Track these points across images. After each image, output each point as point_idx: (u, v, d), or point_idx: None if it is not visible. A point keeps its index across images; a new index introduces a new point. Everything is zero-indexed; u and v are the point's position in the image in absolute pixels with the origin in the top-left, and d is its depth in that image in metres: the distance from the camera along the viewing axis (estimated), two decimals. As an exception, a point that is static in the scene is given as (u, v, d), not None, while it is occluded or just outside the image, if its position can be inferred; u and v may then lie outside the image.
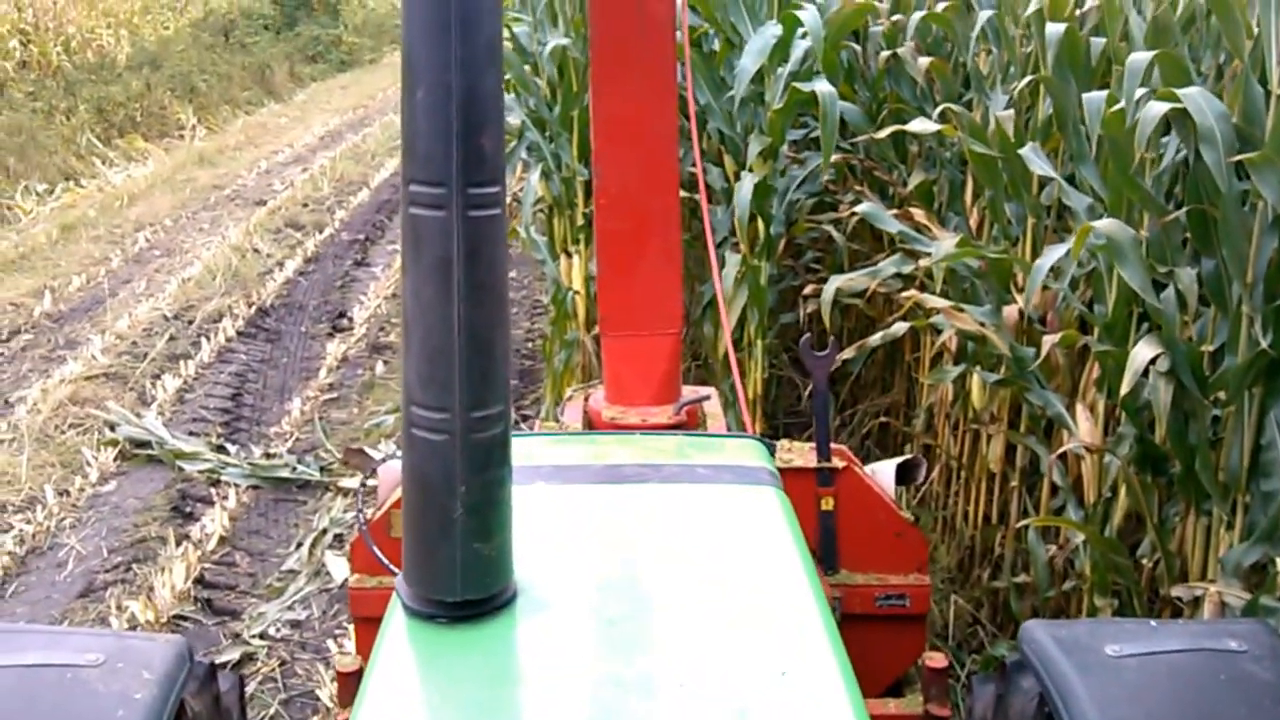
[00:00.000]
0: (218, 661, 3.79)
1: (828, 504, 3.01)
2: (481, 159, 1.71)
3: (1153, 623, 2.16)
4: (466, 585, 1.86)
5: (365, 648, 1.90)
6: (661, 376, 3.40)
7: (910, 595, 3.04)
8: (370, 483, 3.13)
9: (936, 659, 2.73)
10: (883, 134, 4.52)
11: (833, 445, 3.01)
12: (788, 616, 1.99)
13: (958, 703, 3.80)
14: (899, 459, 3.17)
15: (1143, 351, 3.11)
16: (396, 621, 1.91)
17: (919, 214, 4.41)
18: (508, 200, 1.82)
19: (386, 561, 2.06)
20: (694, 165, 3.96)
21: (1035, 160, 3.72)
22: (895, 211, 4.52)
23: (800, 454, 3.02)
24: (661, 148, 3.38)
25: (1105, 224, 3.20)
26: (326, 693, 4.00)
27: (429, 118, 1.69)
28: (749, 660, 1.85)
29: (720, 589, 2.06)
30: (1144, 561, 3.51)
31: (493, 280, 1.76)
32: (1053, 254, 3.42)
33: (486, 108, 1.71)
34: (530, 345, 7.20)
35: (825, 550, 3.01)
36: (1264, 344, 2.91)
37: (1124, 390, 3.16)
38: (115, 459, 5.80)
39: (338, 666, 2.63)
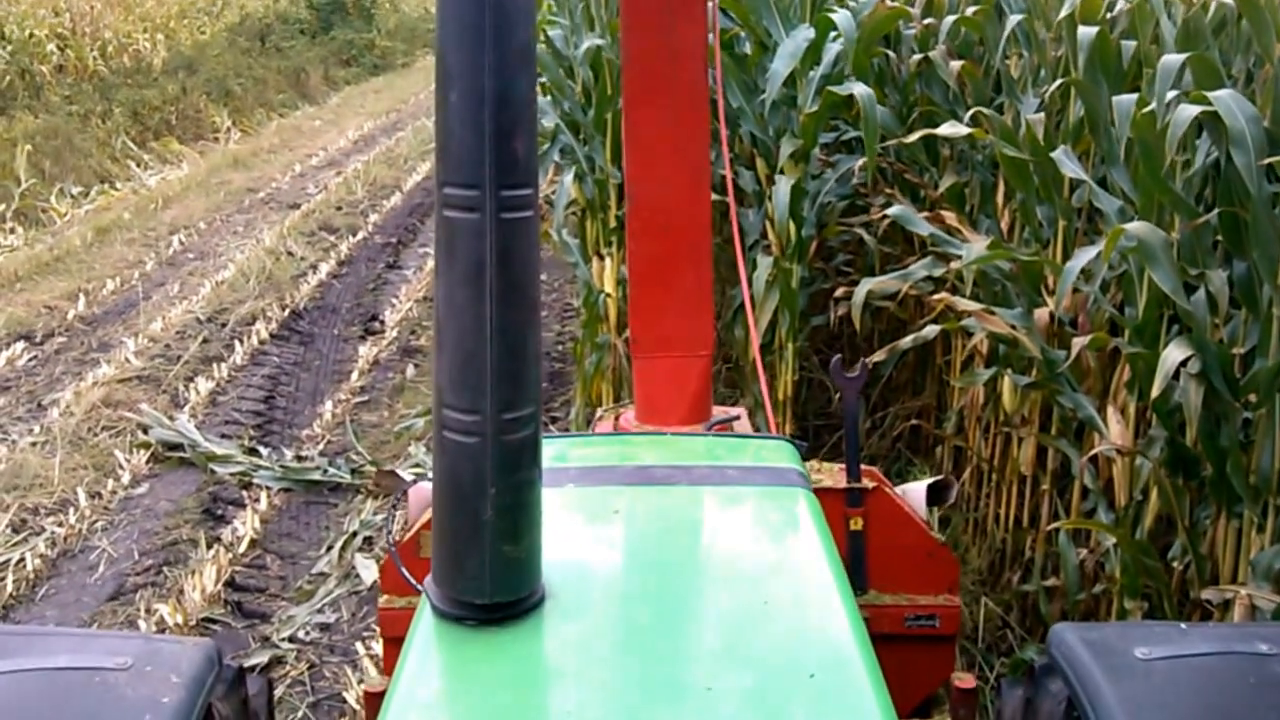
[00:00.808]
0: (247, 665, 3.80)
1: (857, 524, 3.00)
2: (514, 162, 1.71)
3: (1182, 625, 2.14)
4: (496, 587, 1.86)
5: (393, 668, 1.90)
6: (692, 397, 3.41)
7: (940, 616, 3.02)
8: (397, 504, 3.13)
9: (965, 680, 2.72)
10: (914, 137, 4.50)
11: (863, 467, 3.00)
12: (817, 619, 1.98)
13: (986, 705, 3.78)
14: (930, 480, 3.16)
15: (1173, 353, 3.09)
16: (425, 623, 1.91)
17: (950, 217, 4.39)
18: (539, 203, 1.82)
19: (415, 582, 2.06)
20: (724, 169, 3.96)
21: (1066, 163, 3.70)
22: (926, 214, 4.50)
23: (830, 474, 3.02)
24: (693, 172, 3.40)
25: (1136, 226, 3.18)
26: (354, 695, 4.01)
27: (462, 121, 1.69)
28: (778, 663, 1.84)
29: (749, 591, 2.05)
30: (1174, 564, 3.48)
31: (525, 282, 1.76)
32: (1083, 256, 3.40)
33: (519, 111, 1.71)
34: (561, 349, 7.20)
35: (854, 570, 2.99)
36: (1295, 347, 2.89)
37: (1155, 392, 3.14)
38: (147, 461, 5.84)
39: (366, 687, 2.63)
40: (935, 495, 3.13)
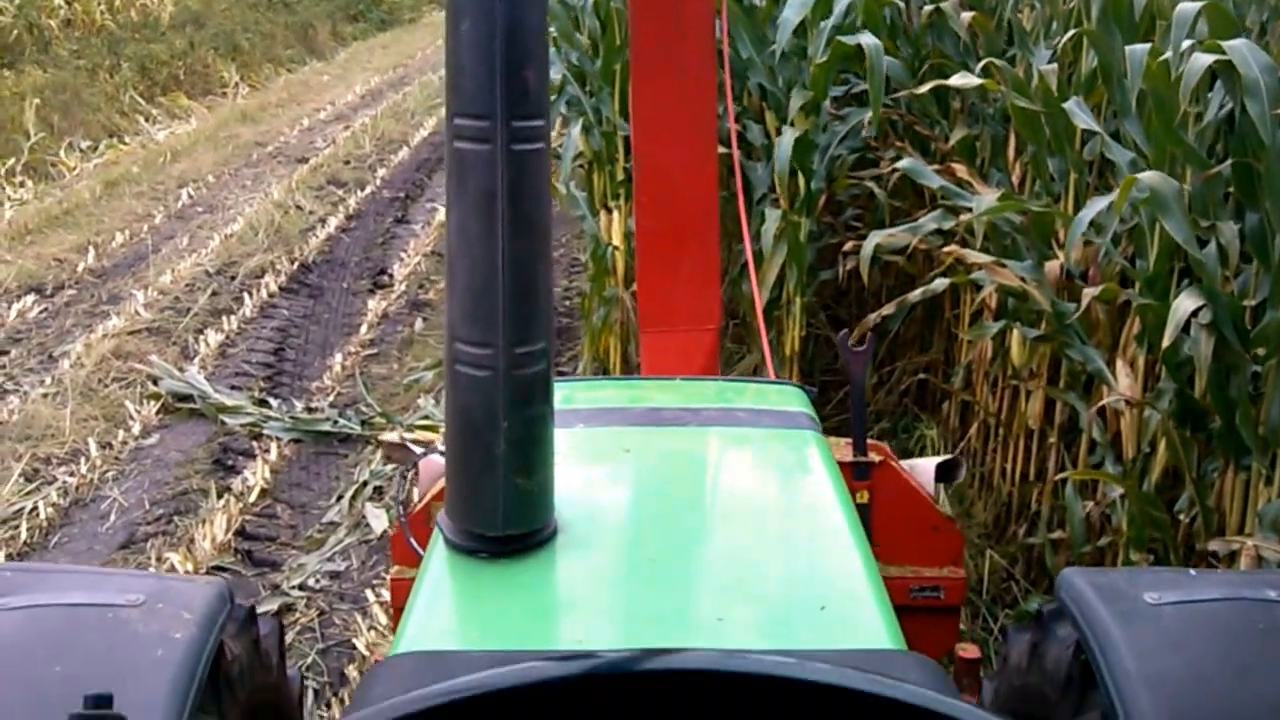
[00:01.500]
0: (260, 610, 3.83)
1: (863, 497, 3.00)
2: (525, 92, 1.70)
3: (1191, 572, 2.13)
4: (508, 520, 1.87)
5: None
6: (699, 371, 3.43)
7: (945, 587, 3.04)
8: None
9: (969, 650, 2.75)
10: (924, 89, 4.48)
11: (870, 441, 3.00)
12: (828, 554, 1.99)
13: (989, 656, 3.81)
14: (939, 458, 3.17)
15: (1185, 304, 3.09)
16: (438, 555, 1.93)
17: (961, 169, 4.38)
18: (547, 155, 1.82)
19: (425, 554, 2.08)
20: (732, 121, 3.96)
21: (1079, 114, 3.69)
22: (937, 167, 4.49)
23: (836, 448, 3.03)
24: (701, 147, 3.40)
25: (1149, 176, 3.17)
26: (364, 642, 4.04)
27: (473, 51, 1.69)
28: (789, 596, 1.85)
29: (760, 527, 2.06)
30: (1181, 517, 3.49)
31: (537, 215, 1.76)
32: (1095, 206, 3.39)
33: (531, 41, 1.70)
34: (568, 303, 7.20)
35: None
36: (1307, 298, 2.89)
37: (1166, 343, 3.14)
38: (158, 412, 5.85)
39: (376, 659, 2.64)
40: (944, 473, 3.15)
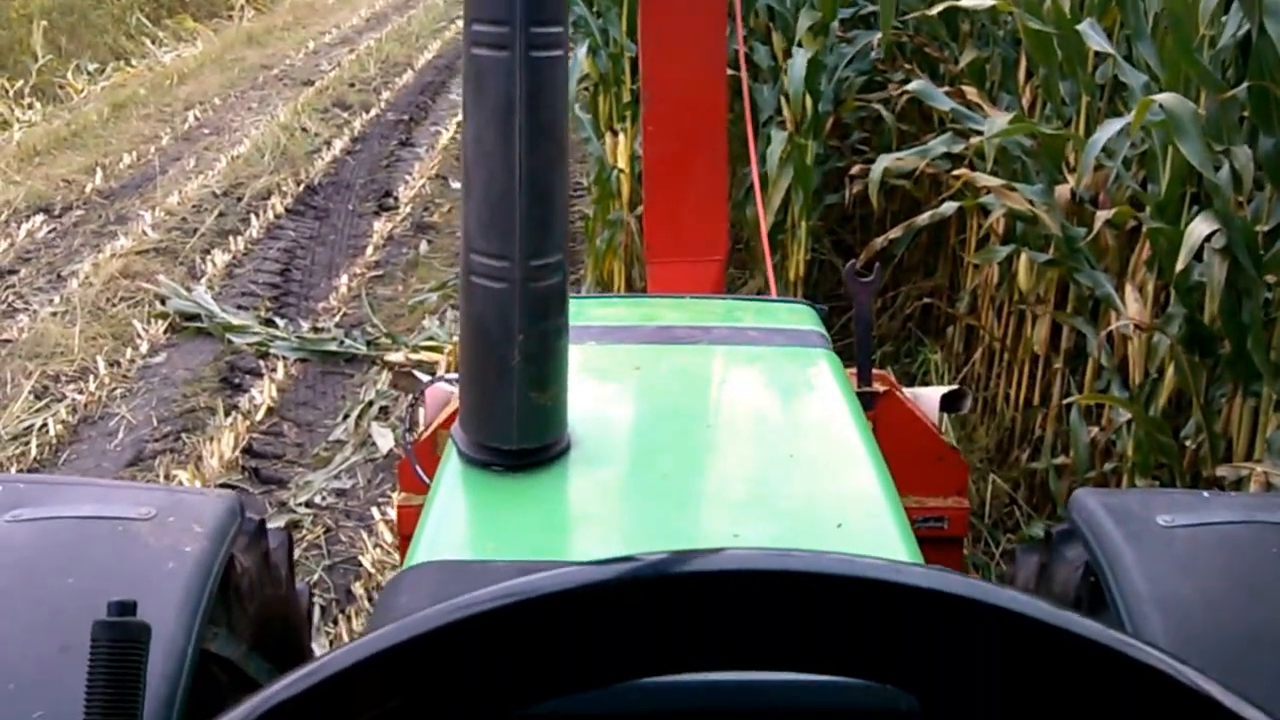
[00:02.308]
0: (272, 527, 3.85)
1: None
2: None
3: (1205, 494, 2.12)
4: (522, 434, 1.86)
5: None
6: None
7: (949, 518, 3.04)
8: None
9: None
10: (935, 9, 4.43)
11: (874, 371, 3.00)
12: (843, 472, 1.98)
13: (990, 580, 3.82)
14: (944, 388, 3.16)
15: (1199, 228, 3.07)
16: (452, 467, 1.93)
17: (971, 92, 4.35)
18: (566, 64, 1.79)
19: (439, 466, 2.07)
20: (741, 44, 3.92)
21: (1092, 36, 3.65)
22: (946, 90, 4.46)
23: None
24: (710, 73, 3.36)
25: (1166, 98, 3.14)
26: (370, 559, 4.07)
27: None
28: (805, 513, 1.85)
29: (774, 444, 2.06)
30: (1187, 443, 3.49)
31: (555, 125, 1.74)
32: (1110, 129, 3.36)
33: None
34: (572, 227, 7.15)
35: None
36: (1320, 222, 2.87)
37: (1180, 266, 3.13)
38: (165, 331, 5.86)
39: (382, 577, 2.64)
40: (949, 403, 3.14)
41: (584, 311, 2.55)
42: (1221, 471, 3.23)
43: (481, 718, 0.54)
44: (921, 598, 0.53)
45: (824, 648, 0.54)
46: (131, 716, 1.03)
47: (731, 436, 2.09)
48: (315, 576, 4.01)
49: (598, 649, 0.54)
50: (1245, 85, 3.07)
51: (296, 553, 4.06)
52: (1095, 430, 3.86)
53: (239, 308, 6.11)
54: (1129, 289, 3.62)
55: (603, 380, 2.27)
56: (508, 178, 1.72)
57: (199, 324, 5.90)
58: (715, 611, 0.54)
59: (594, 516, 1.85)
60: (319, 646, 3.60)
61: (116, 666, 1.04)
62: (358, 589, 3.95)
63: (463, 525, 1.87)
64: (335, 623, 3.80)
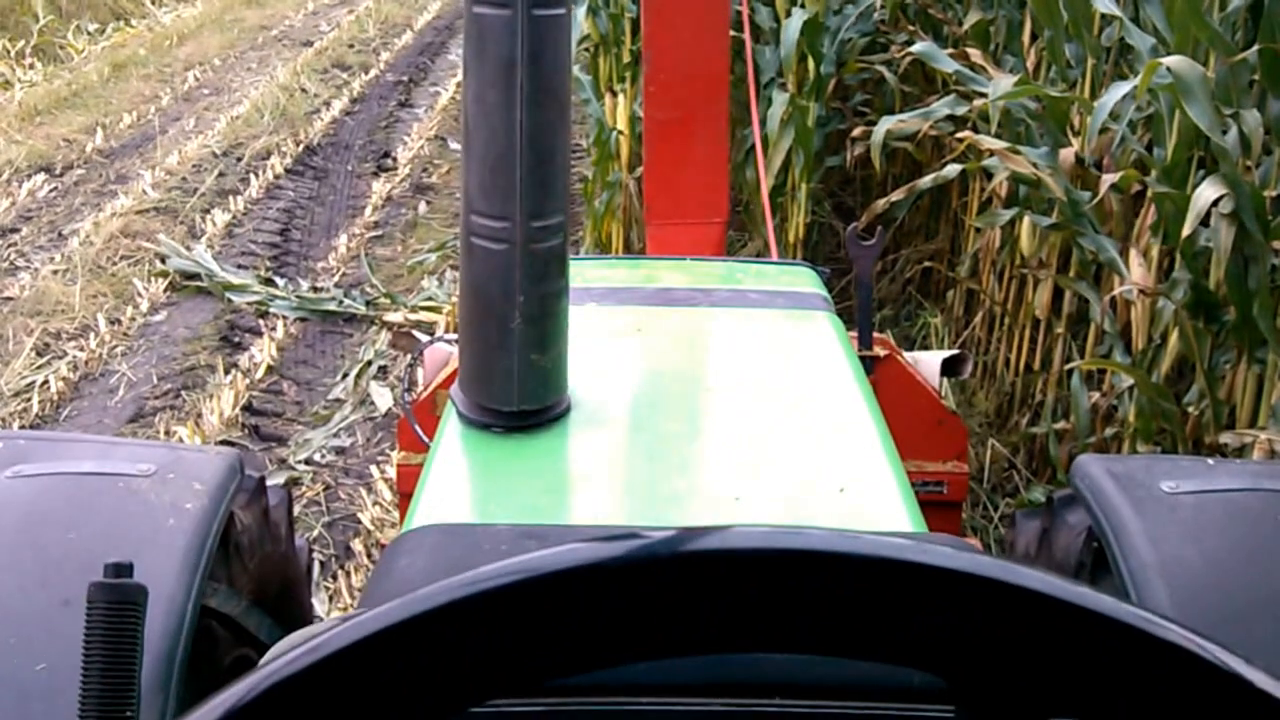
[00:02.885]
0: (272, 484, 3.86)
1: None
2: None
3: (1210, 461, 2.11)
4: (522, 396, 1.86)
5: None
6: None
7: (947, 482, 3.04)
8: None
9: (970, 544, 2.75)
10: (940, -29, 4.41)
11: (875, 335, 2.99)
12: (845, 433, 1.98)
13: (989, 544, 3.83)
14: (945, 352, 3.15)
15: (1206, 192, 3.04)
16: (451, 429, 1.92)
17: (975, 54, 4.32)
18: (569, 23, 1.77)
19: (430, 442, 2.06)
20: (745, 4, 3.90)
21: (1099, -3, 3.62)
22: (950, 51, 4.43)
23: None
24: (711, 34, 3.34)
25: (1174, 61, 3.11)
26: (369, 516, 4.07)
27: None
28: (807, 476, 1.84)
29: (777, 407, 2.05)
30: (1190, 409, 3.48)
31: (557, 85, 1.73)
32: (1117, 91, 3.34)
33: None
34: (570, 188, 7.15)
35: None
36: (1329, 187, 2.85)
37: (1186, 231, 3.10)
38: (165, 290, 5.86)
39: (382, 535, 2.63)
40: (949, 368, 3.13)
41: (584, 273, 2.54)
42: (1225, 438, 3.22)
43: (480, 697, 0.53)
44: (947, 579, 0.52)
45: (843, 630, 0.53)
46: (128, 678, 1.02)
47: (732, 398, 2.08)
48: (315, 533, 4.02)
49: (604, 628, 0.52)
50: (1255, 48, 3.04)
51: (296, 509, 4.06)
52: (1096, 396, 3.85)
53: (239, 267, 6.09)
54: (1133, 254, 3.60)
55: (603, 342, 2.26)
56: (509, 137, 1.70)
57: (199, 283, 5.89)
58: (725, 592, 0.53)
59: (594, 478, 1.84)
60: (319, 602, 3.61)
61: (113, 628, 1.03)
62: (357, 545, 3.95)
63: (462, 487, 1.86)
64: (334, 578, 3.80)
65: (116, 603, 1.03)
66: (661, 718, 1.02)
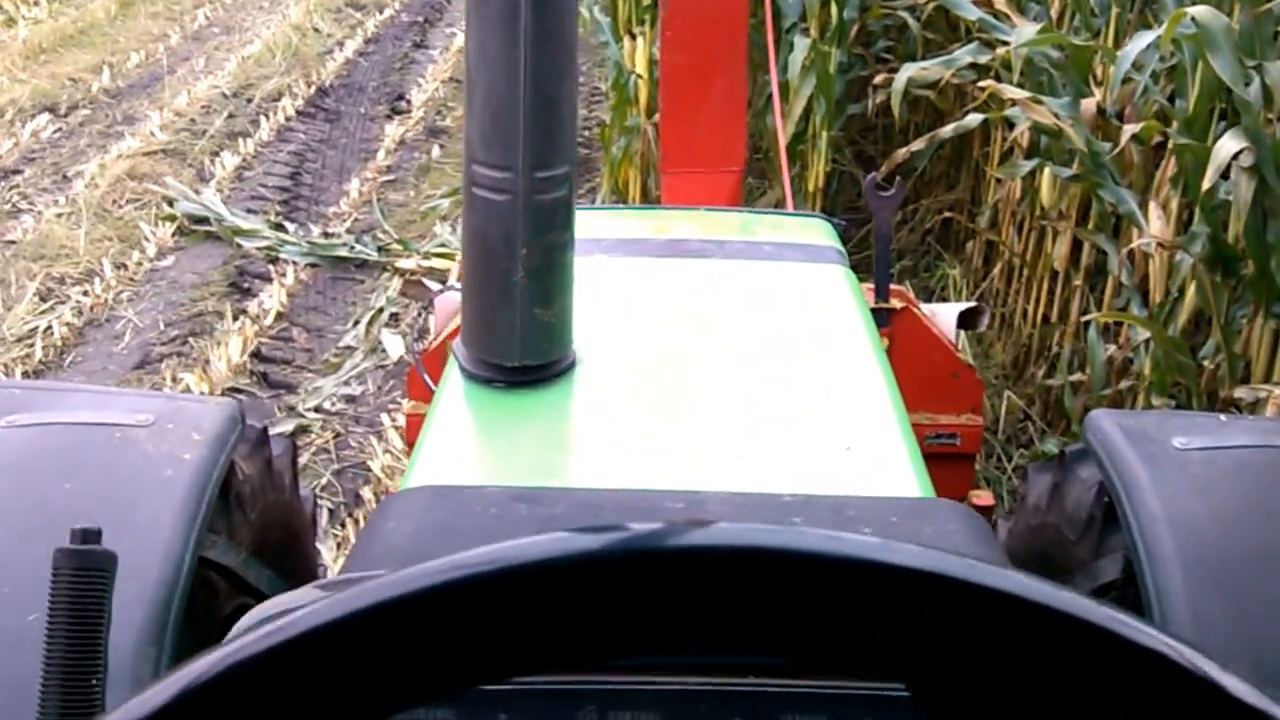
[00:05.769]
0: (274, 433, 3.85)
1: (884, 344, 2.97)
2: None
3: (1222, 417, 2.09)
4: (525, 351, 1.82)
5: None
6: None
7: (961, 435, 3.01)
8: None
9: (983, 497, 2.74)
10: (964, -84, 4.33)
11: (892, 287, 2.95)
12: (854, 392, 1.94)
13: (1001, 495, 3.80)
14: (962, 304, 3.11)
15: (1227, 145, 3.00)
16: (454, 383, 1.89)
17: (999, 1, 4.25)
18: None
19: (440, 381, 2.03)
20: None
21: (1124, -55, 3.56)
22: (973, -1, 4.36)
23: None
24: None
25: (1199, 11, 3.06)
26: (379, 464, 4.05)
27: None
28: (813, 433, 1.81)
29: (785, 363, 2.02)
30: (1205, 363, 3.45)
31: (562, 31, 1.68)
32: (1140, 41, 3.29)
33: None
34: (587, 133, 7.08)
35: None
36: (1352, 140, 2.80)
37: (1206, 184, 3.06)
38: (173, 234, 5.81)
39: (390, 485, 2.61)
40: (966, 320, 3.10)
41: (593, 224, 2.50)
42: (1239, 393, 3.19)
43: (439, 690, 0.50)
44: (910, 579, 0.49)
45: (795, 632, 0.50)
46: (94, 648, 0.99)
47: (741, 355, 2.05)
48: (324, 481, 4.00)
49: (550, 629, 0.49)
50: (1282, -3, 2.98)
51: (305, 457, 4.05)
52: (1113, 348, 3.82)
53: (248, 211, 6.04)
54: (1152, 206, 3.55)
55: (610, 295, 2.22)
56: (511, 85, 1.66)
57: (207, 227, 5.84)
58: (670, 593, 0.50)
59: (596, 436, 1.81)
60: (326, 550, 3.59)
61: (79, 596, 1.00)
62: (366, 493, 3.93)
63: (462, 444, 1.83)
64: (343, 525, 3.79)
65: (83, 569, 1.00)
66: (633, 696, 1.00)
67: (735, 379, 1.97)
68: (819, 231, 2.60)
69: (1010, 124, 4.21)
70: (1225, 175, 3.13)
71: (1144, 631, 0.50)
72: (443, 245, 5.59)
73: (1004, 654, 0.49)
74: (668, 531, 0.50)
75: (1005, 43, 3.95)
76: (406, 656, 0.48)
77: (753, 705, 1.00)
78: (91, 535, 1.01)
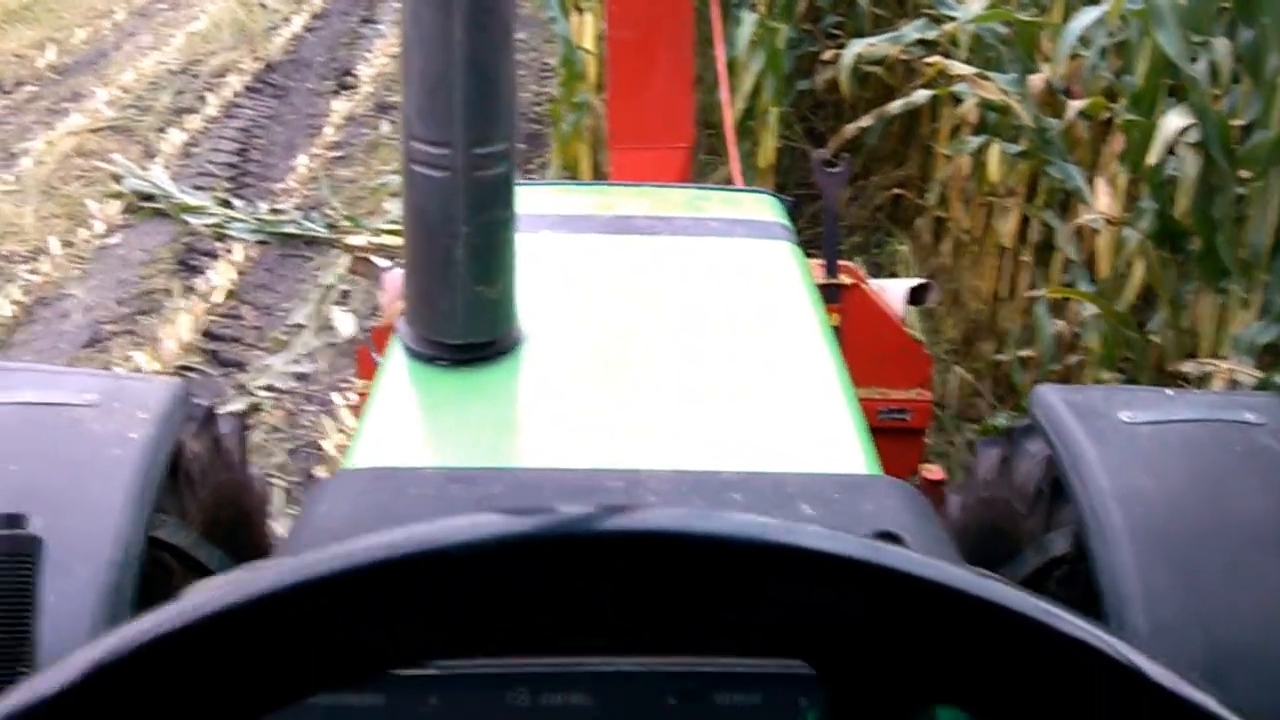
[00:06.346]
0: (224, 412, 3.83)
1: (834, 320, 2.97)
2: None
3: (1169, 391, 2.11)
4: (468, 328, 1.81)
5: None
6: None
7: (911, 410, 3.03)
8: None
9: (934, 471, 2.76)
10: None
11: (841, 263, 2.96)
12: (799, 367, 1.95)
13: (952, 470, 3.83)
14: (911, 280, 3.13)
15: (1174, 121, 3.03)
16: (397, 361, 1.88)
17: (946, -23, 4.27)
18: None
19: (382, 361, 2.02)
20: None
21: (1070, -79, 3.58)
22: (922, -27, 4.38)
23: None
24: None
25: (1143, -14, 3.08)
26: (331, 444, 4.03)
27: None
28: (758, 410, 1.81)
29: (731, 339, 2.02)
30: (1153, 338, 3.48)
31: (498, 4, 1.67)
32: (1086, 16, 3.31)
33: None
34: (537, 109, 7.06)
35: None
36: (1299, 116, 2.83)
37: (1153, 160, 3.09)
38: (121, 212, 5.74)
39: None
40: (916, 296, 3.12)
41: (539, 200, 2.49)
42: (1186, 367, 3.22)
43: (356, 674, 0.50)
44: (817, 562, 0.49)
45: (704, 615, 0.51)
46: (21, 633, 0.98)
47: (687, 330, 2.04)
48: (276, 460, 3.98)
49: (448, 612, 0.50)
50: (1227, -26, 3.01)
51: (258, 436, 4.02)
52: (1061, 324, 3.86)
53: (196, 188, 5.98)
54: (1100, 182, 3.59)
55: (557, 272, 2.21)
56: (447, 59, 1.64)
57: (155, 204, 5.78)
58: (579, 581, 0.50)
59: (541, 414, 1.80)
60: (281, 528, 3.57)
61: (4, 581, 0.99)
62: (320, 472, 3.92)
63: (404, 424, 1.82)
64: (297, 504, 3.77)
65: (7, 555, 0.99)
66: (565, 677, 1.00)
67: (682, 356, 1.97)
68: (767, 208, 2.60)
69: (958, 100, 4.23)
70: (1172, 151, 3.16)
71: (1063, 618, 0.50)
72: (393, 222, 5.55)
73: (907, 635, 0.50)
74: (568, 517, 0.50)
75: (953, 18, 3.97)
76: (315, 639, 0.48)
77: (685, 685, 1.00)
78: (16, 520, 1.00)
